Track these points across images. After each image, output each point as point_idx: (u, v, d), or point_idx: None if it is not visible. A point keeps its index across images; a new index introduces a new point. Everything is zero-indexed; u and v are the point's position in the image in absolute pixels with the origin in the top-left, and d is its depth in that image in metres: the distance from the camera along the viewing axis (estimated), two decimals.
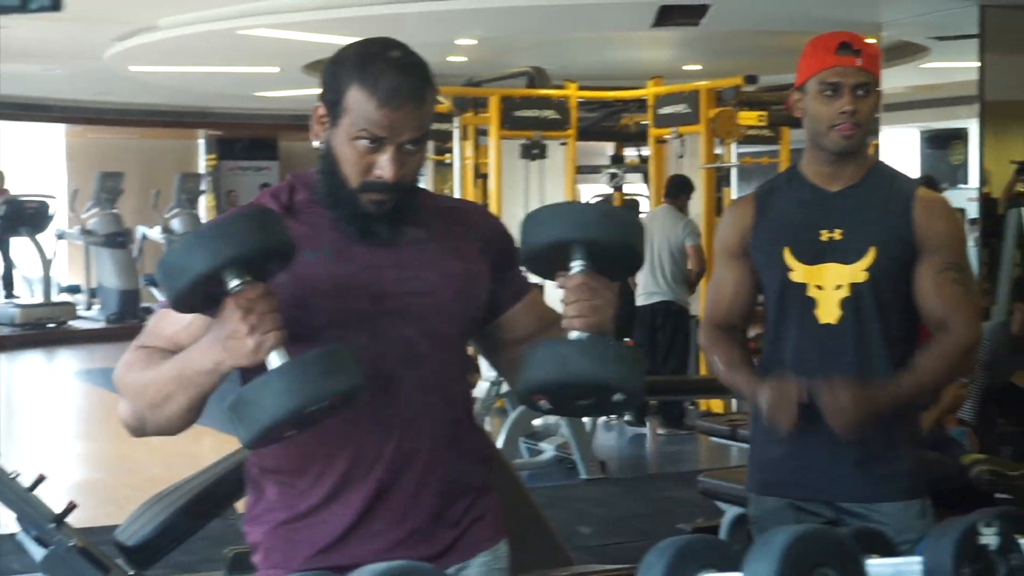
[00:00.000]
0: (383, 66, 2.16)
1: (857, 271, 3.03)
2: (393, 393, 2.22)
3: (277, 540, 2.26)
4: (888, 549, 1.77)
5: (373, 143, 2.16)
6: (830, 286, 3.04)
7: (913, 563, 1.64)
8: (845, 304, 3.03)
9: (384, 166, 2.17)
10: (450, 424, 2.29)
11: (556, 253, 2.15)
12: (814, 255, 3.06)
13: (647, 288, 9.76)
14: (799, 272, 3.07)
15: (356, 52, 2.20)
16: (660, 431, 9.75)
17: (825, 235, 3.06)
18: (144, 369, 2.15)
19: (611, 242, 2.14)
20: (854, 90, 3.00)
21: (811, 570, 1.48)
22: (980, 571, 1.61)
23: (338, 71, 2.20)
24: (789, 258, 3.07)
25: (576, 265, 2.15)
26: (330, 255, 2.21)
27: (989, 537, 1.63)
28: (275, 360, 1.97)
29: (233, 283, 1.97)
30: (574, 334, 2.15)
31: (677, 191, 10.08)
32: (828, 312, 3.05)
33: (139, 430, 2.19)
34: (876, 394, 3.00)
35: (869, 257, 3.02)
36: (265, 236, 1.99)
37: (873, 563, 1.69)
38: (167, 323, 2.20)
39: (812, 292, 3.06)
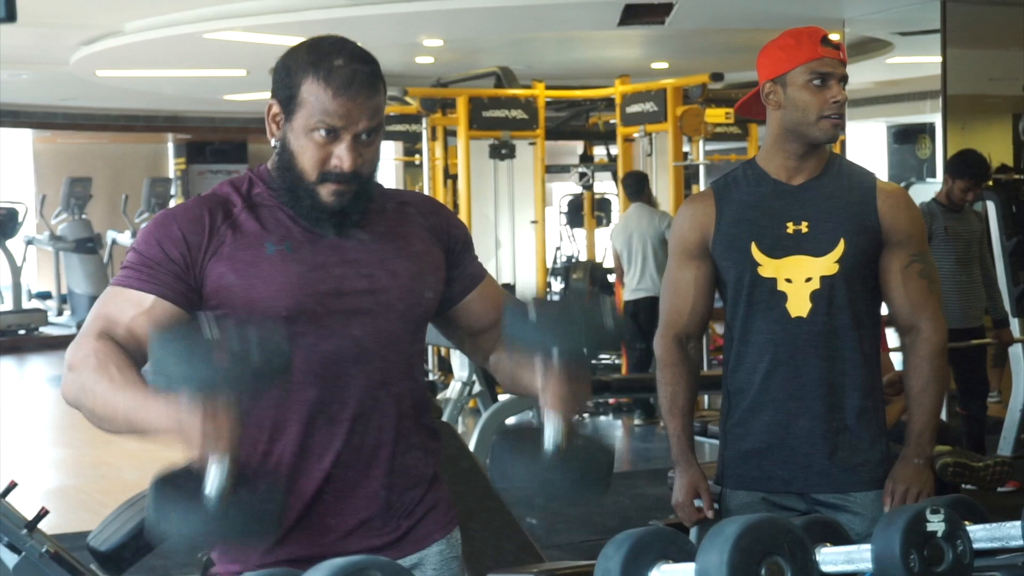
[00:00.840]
0: (335, 58, 2.21)
1: (828, 263, 3.03)
2: (342, 390, 2.26)
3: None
4: (840, 538, 1.80)
5: (329, 134, 2.20)
6: (800, 279, 3.04)
7: (863, 550, 1.68)
8: (815, 296, 3.04)
9: (342, 156, 2.21)
10: (398, 419, 2.33)
11: (536, 346, 2.12)
12: (782, 248, 3.06)
13: (632, 284, 9.87)
14: (768, 267, 3.06)
15: (308, 48, 2.25)
16: (637, 421, 9.80)
17: (791, 227, 3.06)
18: (98, 373, 2.10)
19: (591, 346, 2.13)
20: (840, 81, 3.04)
21: (762, 559, 1.51)
22: (928, 557, 1.65)
23: (291, 66, 2.24)
24: (756, 252, 3.06)
25: (555, 356, 2.09)
26: (289, 248, 2.24)
27: (936, 524, 1.66)
28: (214, 476, 1.88)
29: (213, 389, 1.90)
30: (550, 419, 2.08)
31: (639, 188, 10.13)
32: (799, 306, 3.05)
33: (74, 405, 2.17)
34: (920, 447, 3.09)
35: (839, 249, 3.03)
36: (269, 371, 1.91)
37: (825, 551, 1.73)
38: (124, 305, 2.19)
39: (782, 286, 3.05)
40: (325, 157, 2.22)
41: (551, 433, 2.05)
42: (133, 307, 2.19)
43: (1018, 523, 1.77)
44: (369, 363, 2.28)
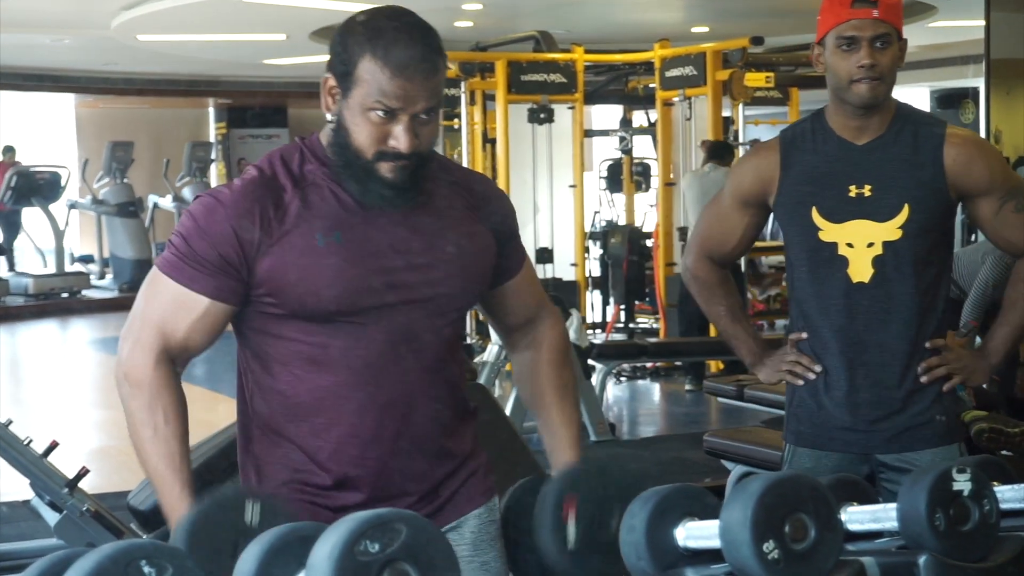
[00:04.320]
0: (394, 36, 2.15)
1: (891, 229, 2.99)
2: (395, 374, 2.26)
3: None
4: (867, 497, 1.81)
5: (387, 114, 2.16)
6: (861, 244, 3.01)
7: (889, 509, 1.69)
8: (877, 262, 3.00)
9: (399, 137, 2.17)
10: (448, 397, 2.35)
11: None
12: (843, 213, 3.01)
13: None
14: (828, 231, 3.03)
15: (366, 22, 2.18)
16: (688, 388, 9.80)
17: (854, 191, 3.01)
18: (143, 421, 2.18)
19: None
20: (872, 42, 2.94)
21: (786, 516, 1.53)
22: (954, 516, 1.66)
23: (348, 42, 2.18)
24: (817, 217, 3.03)
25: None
26: (339, 240, 2.21)
27: (963, 483, 1.67)
28: None
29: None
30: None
31: (725, 153, 10.07)
32: (860, 271, 3.02)
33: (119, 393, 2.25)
34: (991, 347, 3.12)
35: (903, 214, 2.99)
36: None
37: (851, 510, 1.75)
38: (178, 310, 2.21)
39: (843, 251, 3.02)
40: (382, 137, 2.18)
41: (572, 532, 2.01)
42: (187, 312, 2.20)
43: None
44: (417, 350, 2.27)
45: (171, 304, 2.21)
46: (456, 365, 2.39)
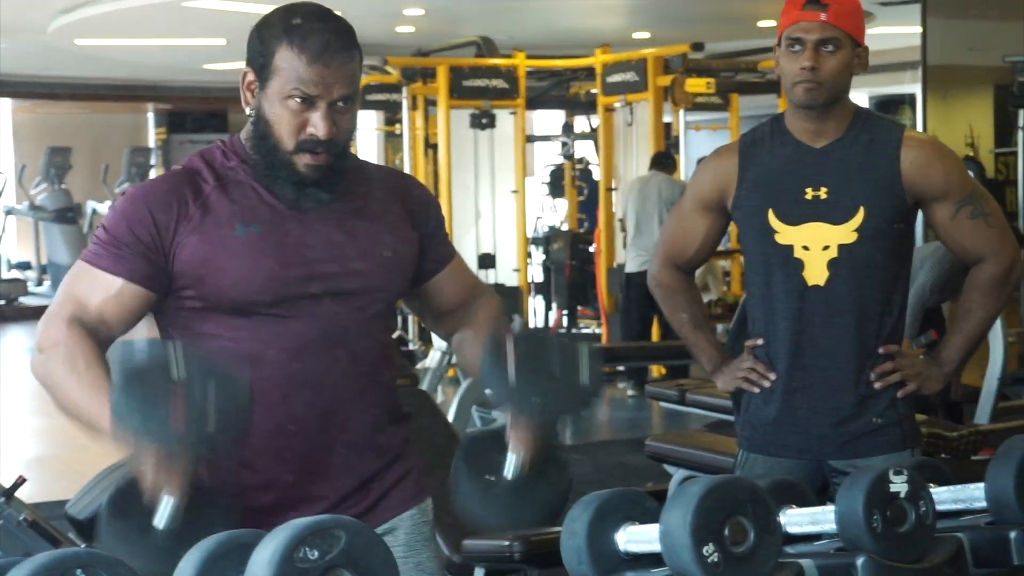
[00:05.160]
0: (310, 25, 2.20)
1: (846, 231, 2.99)
2: (320, 369, 2.27)
3: None
4: (806, 499, 1.83)
5: (305, 101, 2.19)
6: (817, 247, 3.01)
7: (827, 511, 1.70)
8: (833, 264, 3.00)
9: (317, 124, 2.20)
10: (376, 395, 2.35)
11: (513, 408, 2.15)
12: (799, 215, 3.02)
13: (638, 254, 9.76)
14: (784, 233, 3.03)
15: (282, 15, 2.24)
16: (630, 393, 9.84)
17: (810, 193, 3.01)
18: (67, 367, 2.15)
19: (567, 409, 2.22)
20: (818, 46, 2.94)
21: (725, 519, 1.54)
22: (891, 518, 1.67)
23: (264, 35, 2.23)
24: (773, 219, 3.04)
25: (528, 421, 2.13)
26: (258, 231, 2.24)
27: (900, 485, 1.68)
28: (163, 511, 1.91)
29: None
30: (512, 460, 2.12)
31: (668, 162, 10.15)
32: (816, 274, 3.02)
33: (40, 383, 2.22)
34: (945, 355, 3.11)
35: (858, 217, 2.99)
36: (227, 427, 1.91)
37: (790, 512, 1.76)
38: (94, 288, 2.21)
39: (799, 253, 3.02)
40: (301, 125, 2.21)
41: (513, 465, 2.11)
42: (102, 290, 2.21)
43: (982, 485, 1.79)
44: (338, 342, 2.28)
45: (86, 285, 2.23)
46: (387, 365, 2.39)
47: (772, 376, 3.09)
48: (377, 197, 2.36)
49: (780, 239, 3.04)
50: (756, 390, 3.13)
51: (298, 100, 2.20)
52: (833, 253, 3.01)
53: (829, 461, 3.06)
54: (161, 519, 1.90)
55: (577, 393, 2.10)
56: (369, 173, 2.40)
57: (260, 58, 2.23)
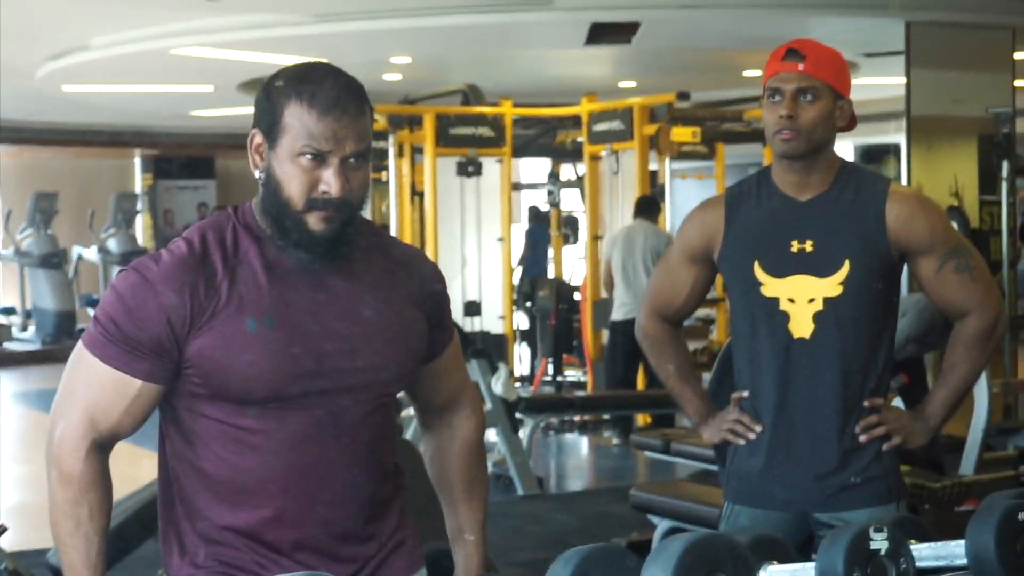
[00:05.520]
0: (319, 80, 2.15)
1: (832, 285, 3.00)
2: (322, 460, 2.23)
3: (199, 572, 2.25)
4: (787, 556, 1.82)
5: (316, 158, 2.13)
6: (803, 300, 3.02)
7: (808, 568, 1.70)
8: (818, 318, 3.01)
9: (329, 181, 2.14)
10: (374, 482, 2.30)
11: None
12: (785, 268, 3.03)
13: (624, 302, 9.76)
14: (770, 286, 3.04)
15: (291, 73, 2.19)
16: (615, 442, 9.83)
17: (796, 246, 3.02)
18: (67, 517, 2.18)
19: None
20: (796, 96, 2.96)
21: (706, 575, 1.54)
22: (872, 575, 1.67)
23: (272, 94, 2.17)
24: (759, 272, 3.05)
25: None
26: (270, 324, 2.16)
27: (880, 542, 1.68)
28: None
29: None
30: None
31: (652, 209, 10.16)
32: (801, 327, 3.02)
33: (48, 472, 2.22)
34: (931, 410, 3.11)
35: (844, 270, 3.00)
36: None
37: (771, 569, 1.76)
38: (108, 392, 2.17)
39: (784, 306, 3.03)
40: (312, 183, 2.14)
41: None
42: (118, 395, 2.16)
43: (962, 542, 1.79)
44: (341, 434, 2.23)
45: (101, 388, 2.17)
46: (387, 450, 2.34)
47: (758, 428, 3.10)
48: (395, 276, 2.31)
49: (766, 291, 3.05)
50: (742, 442, 3.13)
51: (309, 157, 2.14)
52: (819, 306, 3.01)
53: (814, 514, 3.06)
54: None
55: None
56: (388, 246, 2.35)
57: (268, 117, 2.17)
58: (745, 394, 3.13)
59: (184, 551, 2.27)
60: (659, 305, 3.29)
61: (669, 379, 3.32)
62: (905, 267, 3.14)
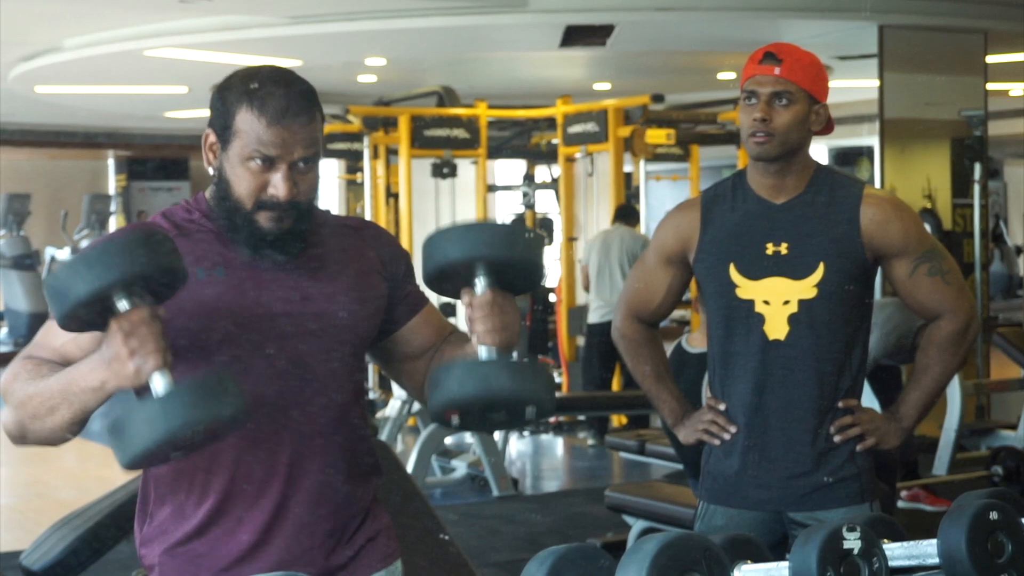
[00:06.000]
0: (271, 88, 2.20)
1: (806, 287, 3.02)
2: (284, 415, 2.25)
3: (174, 561, 2.27)
4: (761, 555, 1.83)
5: (265, 162, 2.20)
6: (777, 302, 3.03)
7: (781, 567, 1.71)
8: (793, 320, 3.03)
9: (277, 185, 2.20)
10: (341, 444, 2.33)
11: (460, 271, 2.20)
12: (760, 270, 3.05)
13: (602, 305, 9.79)
14: (745, 288, 3.06)
15: (242, 77, 2.24)
16: (591, 443, 9.85)
17: (771, 248, 3.04)
18: (30, 380, 2.15)
19: (514, 259, 2.20)
20: (771, 99, 2.99)
21: (680, 575, 1.54)
22: (844, 574, 1.68)
23: (226, 96, 2.23)
24: (735, 274, 3.06)
25: (480, 283, 2.20)
26: (222, 273, 2.23)
27: (853, 541, 1.69)
28: (158, 383, 1.97)
29: (119, 305, 1.98)
30: (484, 351, 2.19)
31: (631, 215, 10.20)
32: (776, 328, 3.04)
33: (20, 439, 2.20)
34: (904, 411, 3.14)
35: (818, 273, 3.01)
36: (152, 258, 1.98)
37: (745, 568, 1.76)
38: (55, 334, 2.20)
39: (760, 308, 3.05)
40: (261, 186, 2.21)
41: (484, 352, 2.18)
42: (62, 335, 2.19)
43: (934, 541, 1.80)
44: (293, 402, 2.26)
45: (47, 332, 2.23)
46: (345, 424, 2.35)
47: (732, 429, 3.11)
48: (336, 256, 2.34)
49: (741, 293, 3.07)
50: (717, 442, 3.15)
51: (258, 161, 2.20)
52: (793, 308, 3.03)
53: (789, 513, 3.08)
54: (158, 389, 1.96)
55: (528, 245, 2.19)
56: (331, 228, 2.38)
57: (221, 120, 2.23)
58: (722, 405, 3.14)
59: (159, 534, 2.29)
60: (636, 307, 3.30)
61: (645, 380, 3.33)
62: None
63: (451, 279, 2.23)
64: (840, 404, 3.07)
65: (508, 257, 2.19)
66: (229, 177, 2.23)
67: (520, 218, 13.41)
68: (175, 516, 2.27)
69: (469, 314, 2.20)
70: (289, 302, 2.27)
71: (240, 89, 2.22)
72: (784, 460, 3.07)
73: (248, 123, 2.19)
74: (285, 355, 2.26)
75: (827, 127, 3.10)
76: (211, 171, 2.28)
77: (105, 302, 1.98)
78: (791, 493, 3.07)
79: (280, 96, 2.20)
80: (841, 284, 3.03)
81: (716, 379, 3.18)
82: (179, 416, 1.92)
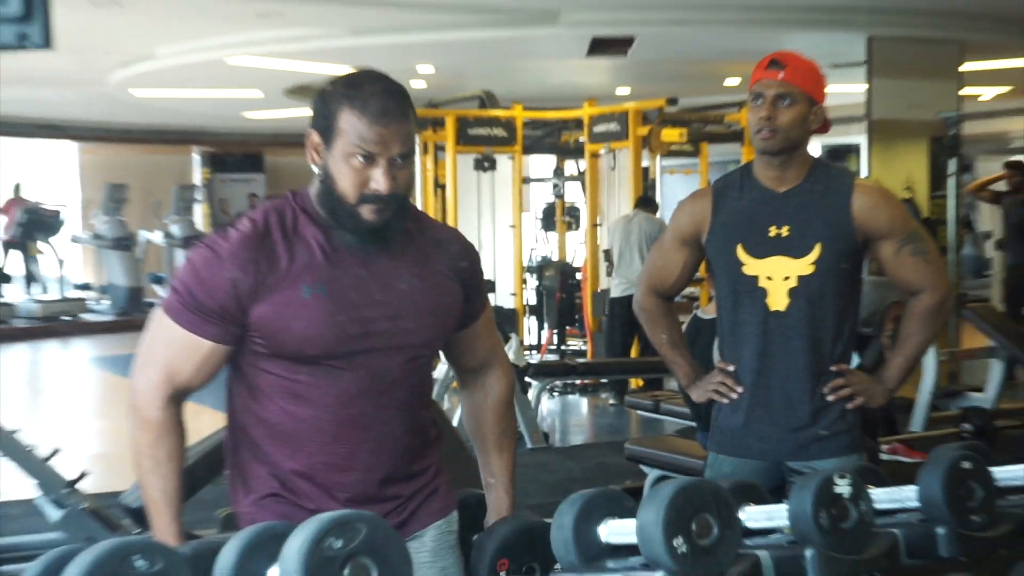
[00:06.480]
0: (370, 90, 2.14)
1: (804, 265, 3.02)
2: (368, 413, 2.24)
3: (261, 512, 2.26)
4: (762, 499, 1.83)
5: (366, 159, 2.14)
6: (779, 277, 3.04)
7: (781, 509, 1.71)
8: (792, 293, 3.03)
9: (378, 179, 2.14)
10: (414, 432, 2.32)
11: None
12: (764, 250, 3.05)
13: (623, 282, 9.74)
14: (750, 266, 3.06)
15: (344, 82, 2.18)
16: (612, 402, 9.85)
17: (774, 231, 3.04)
18: (150, 456, 2.21)
19: None
20: (775, 100, 2.99)
21: (693, 516, 1.55)
22: (836, 516, 1.68)
23: (329, 99, 2.17)
24: (742, 253, 3.07)
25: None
26: (324, 292, 2.18)
27: (843, 487, 1.69)
28: None
29: None
30: None
31: (650, 203, 10.17)
32: (777, 300, 3.04)
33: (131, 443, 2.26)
34: (889, 375, 3.14)
35: (815, 252, 3.02)
36: None
37: (749, 510, 1.77)
38: (182, 351, 2.19)
39: (763, 283, 3.05)
40: (363, 181, 2.15)
41: None
42: (190, 353, 2.18)
43: (914, 487, 1.80)
44: (385, 390, 2.25)
45: (177, 347, 2.19)
46: (424, 405, 2.35)
47: (740, 389, 3.11)
48: (431, 255, 2.31)
49: (747, 270, 3.07)
50: (726, 401, 3.15)
51: (360, 158, 2.14)
52: (793, 283, 3.03)
53: (787, 463, 3.08)
54: None
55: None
56: (426, 228, 2.35)
57: (324, 120, 2.17)
58: (731, 367, 3.14)
59: (249, 489, 2.29)
60: (654, 283, 3.30)
61: (662, 347, 3.33)
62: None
63: None
64: (833, 368, 3.07)
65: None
66: (333, 174, 2.17)
67: (551, 207, 13.40)
68: (267, 476, 2.27)
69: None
70: (389, 317, 2.23)
71: (342, 92, 2.15)
72: (784, 416, 3.07)
73: (350, 123, 2.13)
74: (382, 362, 2.24)
75: (824, 126, 3.09)
76: (315, 169, 2.21)
77: None
78: (790, 445, 3.07)
79: (379, 97, 2.14)
80: (835, 262, 3.03)
81: (725, 345, 3.18)
82: None
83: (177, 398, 2.22)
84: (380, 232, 2.20)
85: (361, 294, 2.21)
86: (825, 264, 3.02)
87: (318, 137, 2.19)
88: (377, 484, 2.28)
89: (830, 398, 3.06)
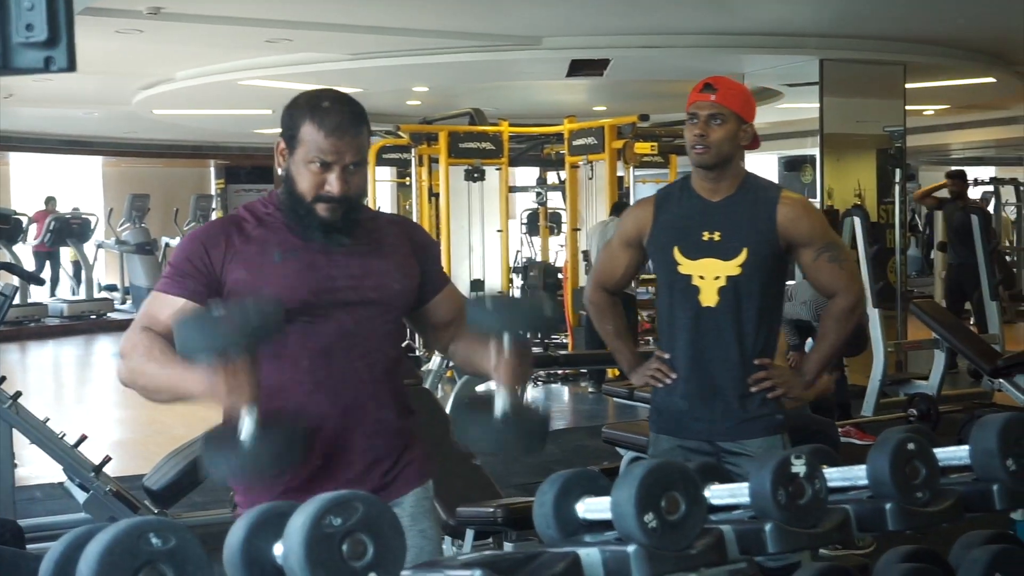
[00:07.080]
0: (328, 107, 2.24)
1: (732, 266, 3.06)
2: (348, 365, 2.28)
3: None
4: (725, 479, 1.82)
5: (322, 165, 2.23)
6: (710, 277, 3.07)
7: (743, 487, 1.70)
8: (722, 291, 3.07)
9: (332, 183, 2.23)
10: (387, 395, 2.35)
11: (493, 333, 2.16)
12: (697, 252, 3.09)
13: None
14: (685, 265, 3.10)
15: (306, 98, 2.28)
16: (591, 390, 9.84)
17: (706, 236, 3.08)
18: (145, 357, 2.16)
19: (534, 329, 2.20)
20: (708, 119, 3.03)
21: (662, 494, 1.54)
22: (792, 493, 1.67)
23: (293, 113, 2.27)
24: (678, 254, 3.11)
25: (506, 343, 2.13)
26: (294, 257, 2.27)
27: (799, 467, 1.68)
28: (245, 420, 1.95)
29: (232, 355, 1.96)
30: (500, 402, 2.10)
31: (623, 208, 10.14)
32: (708, 298, 3.08)
33: (129, 386, 2.22)
34: (807, 368, 3.18)
35: (742, 255, 3.06)
36: (264, 332, 1.97)
37: (714, 488, 1.76)
38: (161, 306, 2.24)
39: (696, 281, 3.09)
40: (319, 184, 2.24)
41: (501, 402, 2.09)
42: (168, 307, 2.23)
43: (864, 467, 1.79)
44: (356, 350, 2.29)
45: (156, 305, 2.26)
46: (396, 371, 2.38)
47: (673, 375, 3.16)
48: (389, 241, 2.38)
49: (682, 270, 3.12)
50: (660, 385, 3.20)
51: (317, 164, 2.23)
52: (722, 282, 3.08)
53: (718, 442, 3.13)
54: (244, 432, 1.93)
55: (542, 319, 2.12)
56: (382, 221, 2.43)
57: (289, 131, 2.27)
58: (667, 356, 3.18)
59: None
60: (602, 279, 3.34)
61: (608, 337, 3.37)
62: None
63: (483, 332, 2.19)
64: (756, 362, 3.12)
65: (530, 330, 2.18)
66: (294, 176, 2.27)
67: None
68: None
69: (494, 358, 2.13)
70: (352, 276, 2.29)
71: (305, 107, 2.25)
72: (716, 402, 3.11)
73: (310, 134, 2.23)
74: (349, 318, 2.28)
75: (754, 142, 3.16)
76: (280, 171, 2.31)
77: (223, 351, 1.96)
78: (720, 427, 3.12)
79: (336, 114, 2.23)
80: (760, 265, 3.08)
81: (663, 336, 3.23)
82: (257, 467, 1.96)
83: (155, 331, 2.21)
84: (333, 227, 2.26)
85: (327, 259, 2.28)
86: (751, 266, 3.07)
87: (284, 144, 2.28)
88: (354, 439, 2.29)
89: (753, 389, 3.11)
